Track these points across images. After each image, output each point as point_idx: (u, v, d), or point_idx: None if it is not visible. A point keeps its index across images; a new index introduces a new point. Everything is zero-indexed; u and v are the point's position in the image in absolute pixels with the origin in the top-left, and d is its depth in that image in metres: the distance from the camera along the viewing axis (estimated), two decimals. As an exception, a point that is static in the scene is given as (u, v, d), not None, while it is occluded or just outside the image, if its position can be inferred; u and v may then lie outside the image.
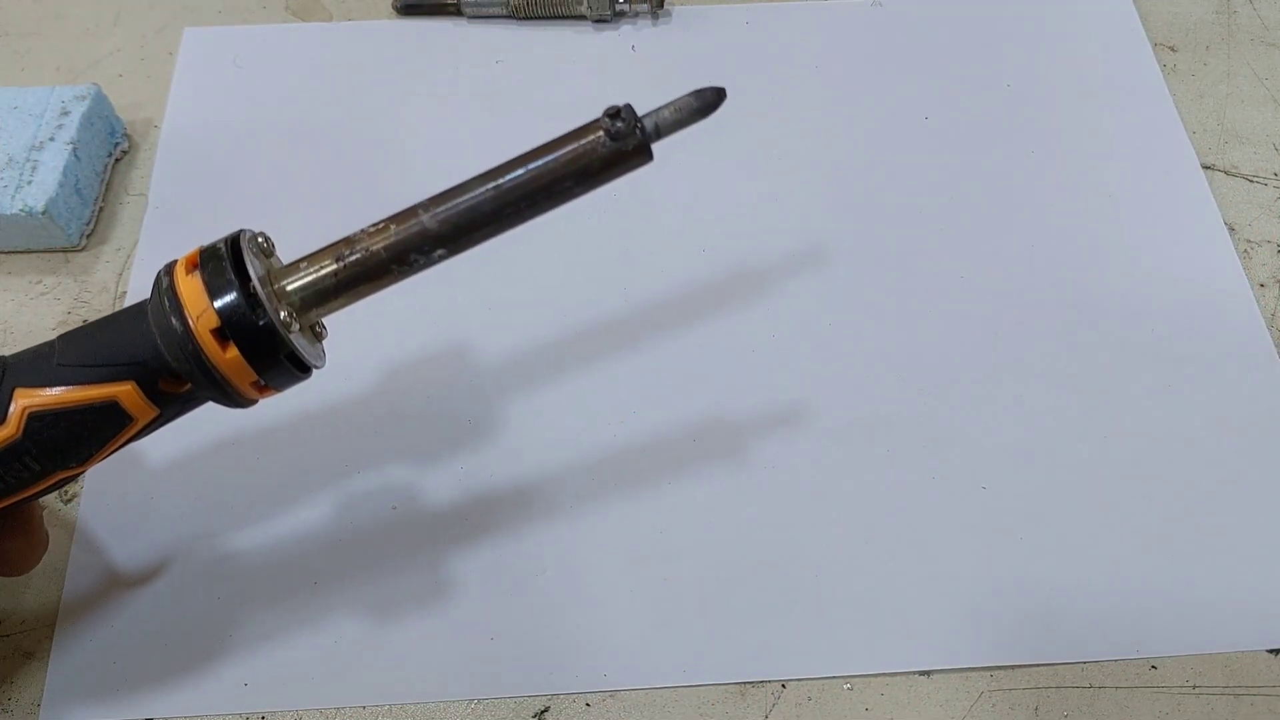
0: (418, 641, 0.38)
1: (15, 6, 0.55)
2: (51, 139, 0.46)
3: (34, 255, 0.47)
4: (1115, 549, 0.40)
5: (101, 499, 0.41)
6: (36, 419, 0.29)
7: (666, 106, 0.29)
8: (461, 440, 0.42)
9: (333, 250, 0.30)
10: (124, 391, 0.29)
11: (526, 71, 0.53)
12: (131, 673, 0.37)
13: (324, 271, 0.30)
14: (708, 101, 0.29)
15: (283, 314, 0.29)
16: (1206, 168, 0.50)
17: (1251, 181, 0.49)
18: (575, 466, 0.41)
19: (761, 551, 0.40)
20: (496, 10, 0.54)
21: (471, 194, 0.29)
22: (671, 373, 0.44)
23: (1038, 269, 0.46)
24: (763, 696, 0.37)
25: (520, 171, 0.29)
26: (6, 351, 0.44)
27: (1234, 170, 0.50)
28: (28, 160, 0.45)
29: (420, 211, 0.29)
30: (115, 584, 0.39)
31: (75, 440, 0.30)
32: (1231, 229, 0.48)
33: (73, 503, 0.41)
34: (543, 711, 0.37)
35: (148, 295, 0.30)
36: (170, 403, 0.30)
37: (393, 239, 0.29)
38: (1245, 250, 0.47)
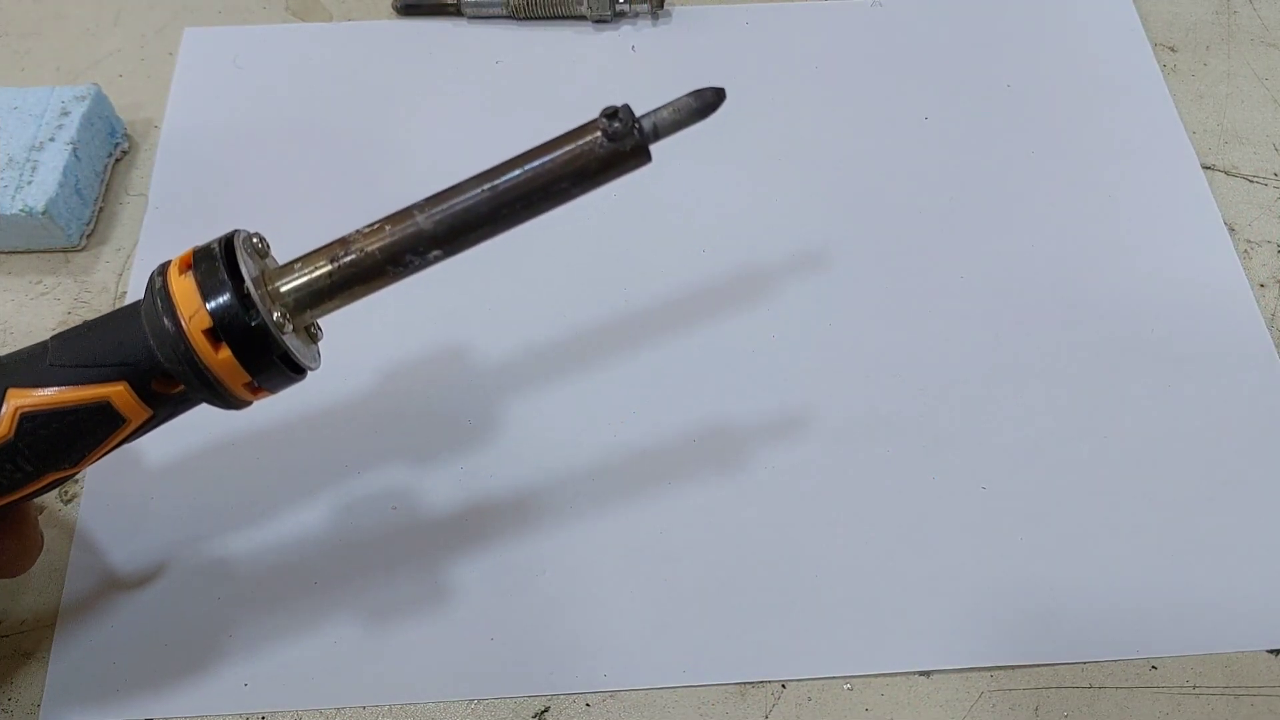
0: (417, 642, 0.38)
1: (15, 6, 0.55)
2: (51, 139, 0.46)
3: (34, 255, 0.47)
4: (1115, 549, 0.40)
5: (101, 500, 0.41)
6: (29, 419, 0.29)
7: (665, 107, 0.29)
8: (461, 440, 0.42)
9: (327, 251, 0.30)
10: (116, 392, 0.29)
11: (526, 71, 0.53)
12: (131, 673, 0.37)
13: (319, 272, 0.30)
14: (707, 102, 0.29)
15: (276, 315, 0.29)
16: (1206, 168, 0.50)
17: (1251, 181, 0.49)
18: (575, 466, 0.41)
19: (761, 551, 0.40)
20: (496, 10, 0.54)
21: (467, 195, 0.29)
22: (671, 372, 0.44)
23: (1038, 269, 0.46)
24: (763, 696, 0.37)
25: (517, 172, 0.29)
26: (4, 352, 0.44)
27: (1234, 170, 0.50)
28: (28, 160, 0.45)
29: (416, 212, 0.29)
30: (115, 585, 0.39)
31: (68, 441, 0.30)
32: (1231, 229, 0.48)
33: (72, 503, 0.41)
34: (543, 711, 0.37)
35: (145, 296, 0.30)
36: (163, 404, 0.30)
37: (388, 240, 0.29)
38: (1245, 250, 0.47)
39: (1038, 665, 0.38)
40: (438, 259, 0.30)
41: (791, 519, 0.40)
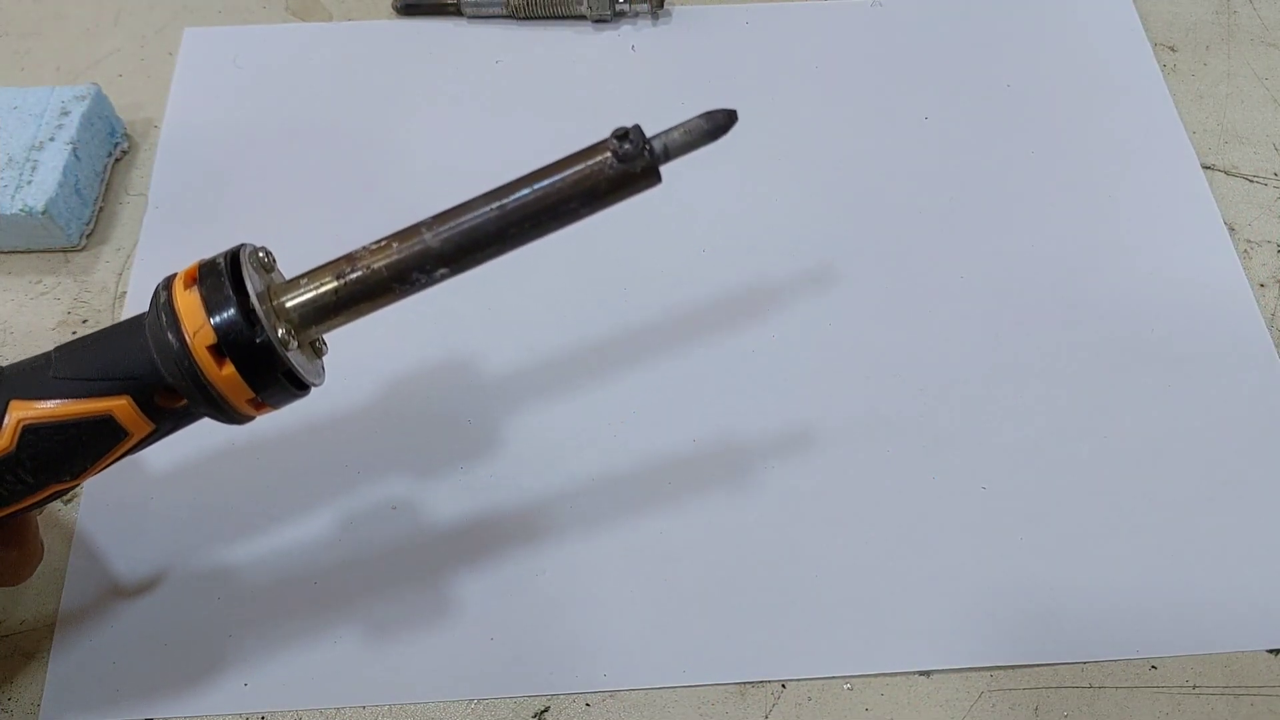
0: (417, 642, 0.38)
1: (15, 6, 0.55)
2: (51, 139, 0.46)
3: (34, 255, 0.47)
4: (1115, 549, 0.40)
5: (101, 504, 0.41)
6: (31, 432, 0.29)
7: (676, 128, 0.28)
8: (461, 442, 0.42)
9: (334, 267, 0.30)
10: (119, 406, 0.29)
11: (526, 71, 0.53)
12: (131, 673, 0.37)
13: (324, 289, 0.29)
14: (718, 124, 0.28)
15: (281, 331, 0.29)
16: (1206, 168, 0.50)
17: (1251, 181, 0.49)
18: (575, 467, 0.41)
19: (761, 551, 0.40)
20: (496, 10, 0.54)
21: (475, 213, 0.29)
22: (671, 372, 0.44)
23: (1038, 269, 0.46)
24: (763, 696, 0.37)
25: (525, 191, 0.29)
26: (6, 352, 0.44)
27: (1234, 170, 0.50)
28: (28, 160, 0.45)
29: (423, 230, 0.29)
30: (114, 592, 0.39)
31: (69, 454, 0.30)
32: (1231, 229, 0.48)
33: (72, 504, 0.41)
34: (543, 711, 0.37)
35: (147, 298, 0.30)
36: (166, 418, 0.30)
37: (395, 257, 0.29)
38: (1245, 250, 0.47)
39: (1037, 665, 0.38)
40: (444, 277, 0.30)
41: (791, 519, 0.40)
